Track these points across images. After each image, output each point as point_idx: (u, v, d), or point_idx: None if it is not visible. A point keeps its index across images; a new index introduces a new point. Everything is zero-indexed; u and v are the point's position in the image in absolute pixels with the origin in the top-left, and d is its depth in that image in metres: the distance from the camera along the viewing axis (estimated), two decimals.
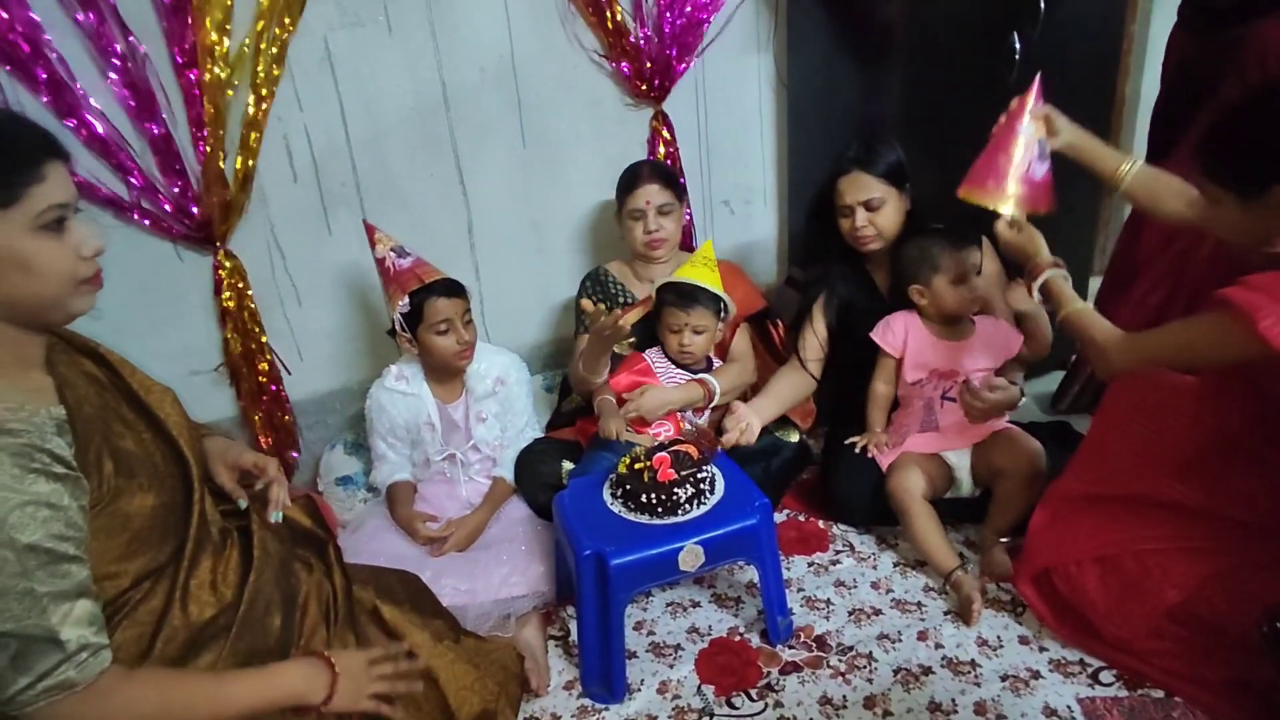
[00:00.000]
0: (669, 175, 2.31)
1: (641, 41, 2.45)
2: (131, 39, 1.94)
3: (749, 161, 2.86)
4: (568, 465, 2.08)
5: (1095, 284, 2.52)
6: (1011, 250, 1.73)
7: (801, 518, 2.20)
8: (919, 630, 1.79)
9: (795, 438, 2.21)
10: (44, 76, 1.88)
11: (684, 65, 2.54)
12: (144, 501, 1.08)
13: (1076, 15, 2.26)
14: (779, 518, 2.18)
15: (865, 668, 1.72)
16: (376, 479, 2.14)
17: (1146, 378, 1.64)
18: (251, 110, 2.10)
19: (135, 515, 1.07)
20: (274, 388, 2.37)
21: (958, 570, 1.85)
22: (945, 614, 1.83)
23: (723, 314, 2.13)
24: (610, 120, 2.59)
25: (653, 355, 2.18)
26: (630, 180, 2.26)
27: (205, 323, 2.29)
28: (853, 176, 2.01)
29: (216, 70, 2.01)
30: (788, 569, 2.00)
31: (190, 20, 1.95)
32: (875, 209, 2.01)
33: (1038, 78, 1.69)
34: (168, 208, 2.10)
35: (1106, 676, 1.63)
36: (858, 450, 2.08)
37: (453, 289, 1.98)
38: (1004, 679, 1.65)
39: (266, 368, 2.34)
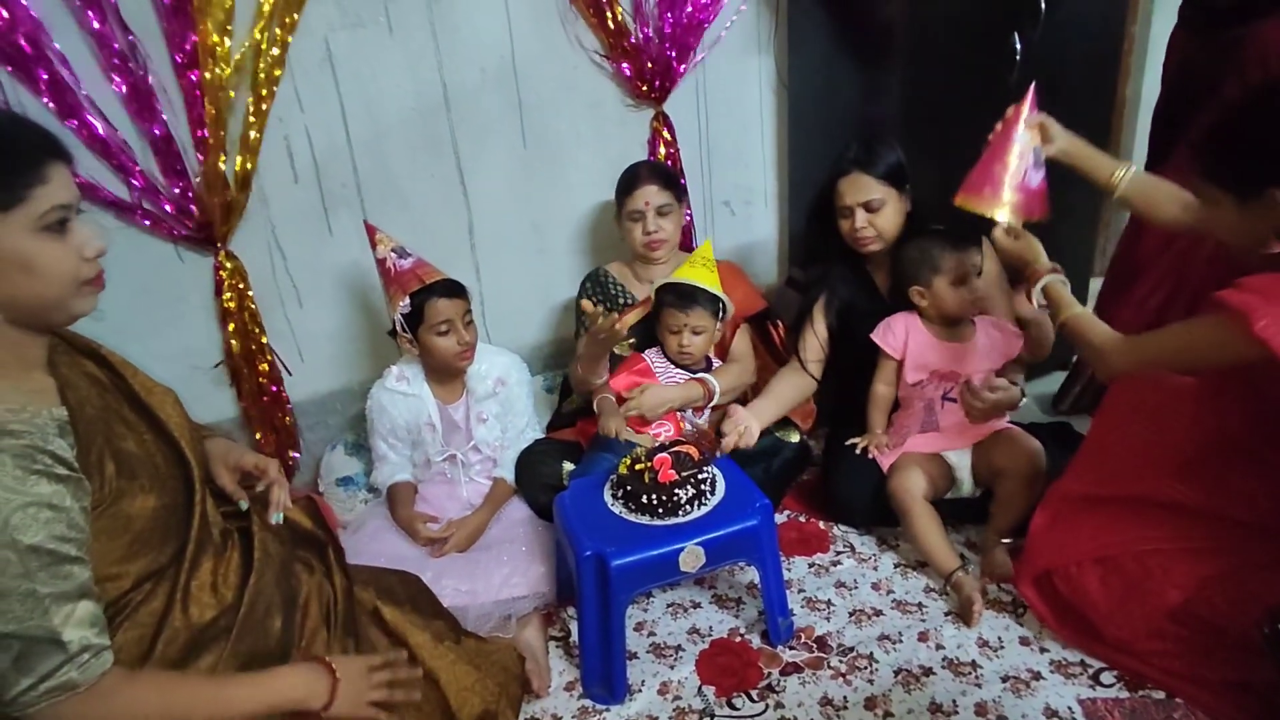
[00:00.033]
0: (668, 176, 2.31)
1: (642, 42, 2.45)
2: (132, 39, 1.94)
3: (749, 162, 2.86)
4: (568, 466, 2.08)
5: (1095, 285, 2.52)
6: (1010, 257, 1.76)
7: (802, 518, 2.20)
8: (920, 631, 1.79)
9: (796, 438, 2.21)
10: (45, 77, 1.88)
11: (684, 66, 2.54)
12: (145, 503, 1.08)
13: (1077, 16, 2.26)
14: (780, 518, 2.19)
15: (866, 669, 1.72)
16: (377, 480, 2.14)
17: (1147, 379, 1.65)
18: (252, 111, 2.10)
19: (137, 517, 1.07)
20: (274, 388, 2.38)
21: (958, 571, 1.85)
22: (946, 615, 1.84)
23: (721, 314, 2.13)
24: (611, 121, 2.59)
25: (652, 356, 2.18)
26: (629, 181, 2.26)
27: (206, 323, 2.29)
28: (852, 178, 2.01)
29: (217, 71, 2.01)
30: (788, 570, 2.00)
31: (191, 21, 1.95)
32: (875, 210, 2.01)
33: (1032, 86, 1.71)
34: (168, 208, 2.10)
35: (1107, 677, 1.63)
36: (858, 451, 2.08)
37: (453, 290, 1.98)
38: (1005, 680, 1.65)
39: (267, 368, 2.34)
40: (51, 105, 1.92)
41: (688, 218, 2.69)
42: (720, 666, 1.75)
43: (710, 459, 1.77)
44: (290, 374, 2.41)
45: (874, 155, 2.00)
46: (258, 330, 2.30)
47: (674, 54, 2.50)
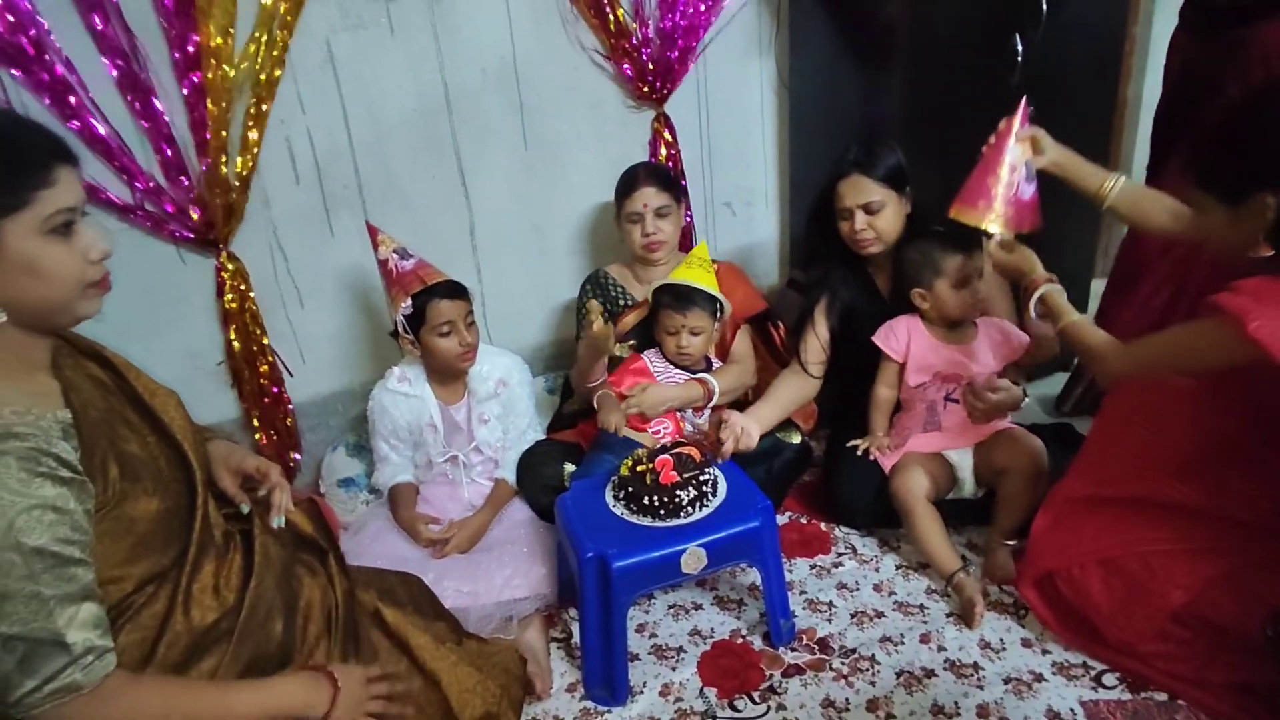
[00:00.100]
0: (666, 177, 2.31)
1: (643, 43, 2.45)
2: (134, 41, 1.94)
3: (750, 163, 2.86)
4: (570, 467, 2.08)
5: (1097, 286, 2.52)
6: (1006, 270, 1.79)
7: (803, 520, 2.20)
8: (921, 633, 1.79)
9: (797, 439, 2.20)
10: (47, 79, 1.88)
11: (685, 67, 2.54)
12: (148, 506, 1.08)
13: (1078, 17, 2.26)
14: (781, 520, 2.18)
15: (868, 670, 1.72)
16: (378, 481, 2.14)
17: (1146, 380, 1.65)
18: (254, 112, 2.10)
19: (139, 519, 1.07)
20: (276, 389, 2.38)
21: (959, 572, 1.85)
22: (948, 616, 1.83)
23: (719, 314, 2.14)
24: (612, 122, 2.59)
25: (651, 356, 2.18)
26: (627, 183, 2.26)
27: (208, 325, 2.29)
28: (852, 180, 2.01)
29: (219, 72, 2.01)
30: (790, 571, 2.00)
31: (193, 22, 1.95)
32: (875, 212, 2.01)
33: (1024, 101, 1.74)
34: (170, 210, 2.10)
35: (1110, 679, 1.63)
36: (859, 453, 2.08)
37: (455, 291, 1.98)
38: (1007, 682, 1.65)
39: (268, 369, 2.34)
40: (54, 107, 1.92)
41: (688, 219, 2.69)
42: (722, 668, 1.75)
43: (712, 461, 1.77)
44: (291, 375, 2.42)
45: (874, 157, 2.00)
46: (259, 331, 2.30)
47: (675, 55, 2.50)
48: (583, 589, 1.65)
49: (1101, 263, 2.85)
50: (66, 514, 0.96)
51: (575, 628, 1.83)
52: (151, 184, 2.06)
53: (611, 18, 2.39)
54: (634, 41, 2.44)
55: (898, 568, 2.00)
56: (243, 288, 2.24)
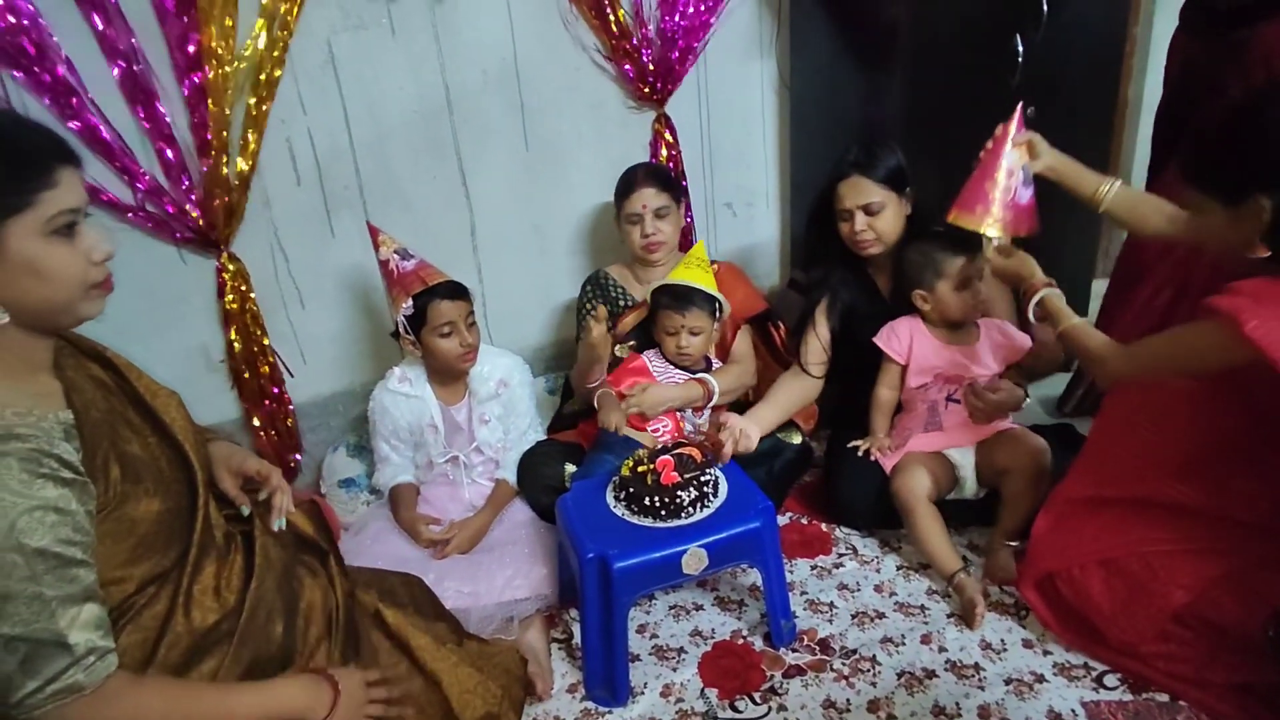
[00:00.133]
0: (665, 178, 2.31)
1: (644, 43, 2.45)
2: (135, 42, 1.94)
3: (751, 164, 2.86)
4: (570, 468, 2.08)
5: (1098, 287, 2.52)
6: (1005, 276, 1.81)
7: (804, 520, 2.20)
8: (922, 634, 1.79)
9: (798, 439, 2.20)
10: (48, 79, 1.88)
11: (686, 67, 2.54)
12: (150, 507, 1.08)
13: (1079, 18, 2.26)
14: (782, 520, 2.18)
15: (869, 671, 1.71)
16: (379, 481, 2.14)
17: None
18: (254, 113, 2.11)
19: (141, 520, 1.07)
20: (276, 390, 2.38)
21: (960, 573, 1.85)
22: (949, 617, 1.83)
23: (718, 314, 2.14)
24: (613, 122, 2.59)
25: (651, 357, 2.18)
26: (626, 184, 2.26)
27: (209, 325, 2.29)
28: (852, 181, 2.01)
29: (220, 73, 2.01)
30: (791, 572, 2.00)
31: (194, 23, 1.95)
32: (874, 213, 2.01)
33: (1019, 106, 1.76)
34: (171, 210, 2.10)
35: (1111, 680, 1.62)
36: (860, 453, 2.08)
37: (456, 291, 1.98)
38: (1008, 683, 1.65)
39: (269, 370, 2.34)
40: (54, 107, 1.92)
41: (689, 220, 2.70)
42: (723, 669, 1.75)
43: (713, 462, 1.77)
44: (292, 376, 2.42)
45: (873, 158, 2.00)
46: (260, 332, 2.30)
47: (676, 55, 2.50)
48: (584, 589, 1.65)
49: (1102, 264, 2.85)
50: (68, 515, 0.96)
51: (576, 628, 1.83)
52: (152, 184, 2.06)
53: (612, 18, 2.39)
54: (635, 42, 2.44)
55: (899, 568, 2.00)
56: (243, 288, 2.24)
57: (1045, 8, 2.18)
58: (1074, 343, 1.63)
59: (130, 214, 2.07)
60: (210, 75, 2.00)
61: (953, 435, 2.01)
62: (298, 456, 2.46)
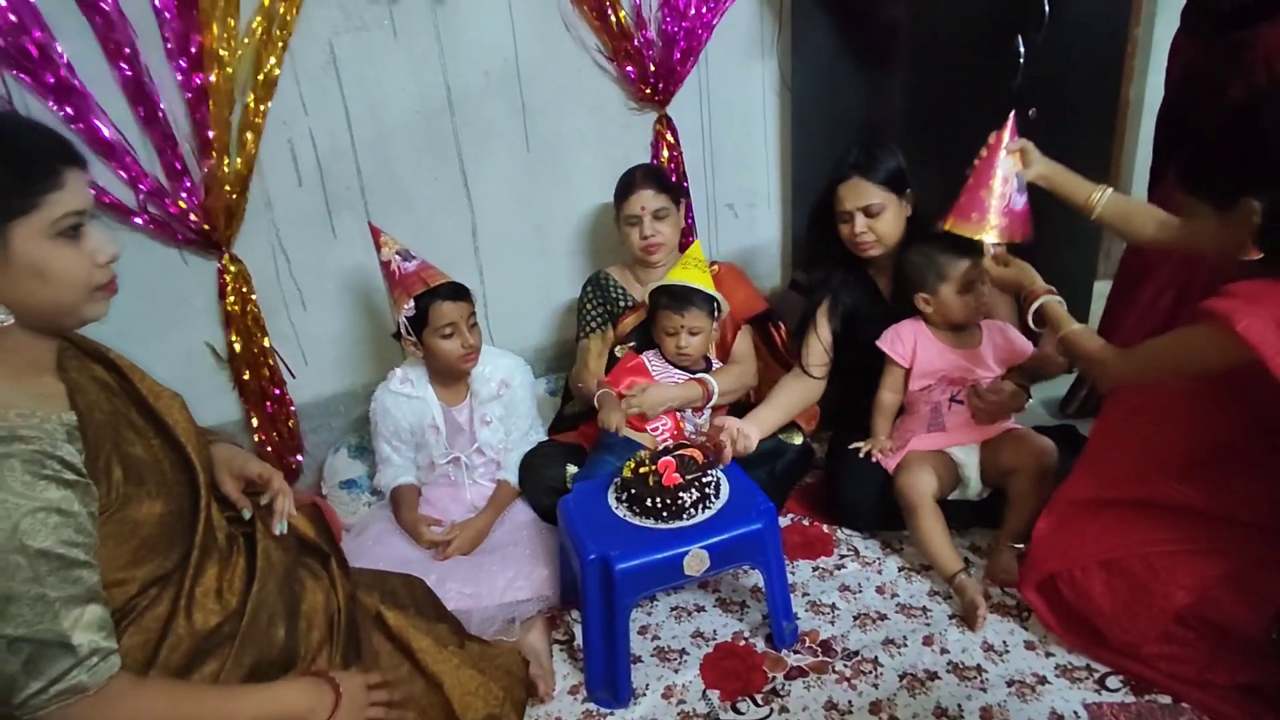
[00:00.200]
0: (664, 180, 2.31)
1: (645, 45, 2.45)
2: (136, 43, 1.94)
3: (753, 165, 2.86)
4: (572, 469, 2.08)
5: (1099, 288, 2.52)
6: (1005, 284, 1.81)
7: (806, 522, 2.20)
8: (924, 635, 1.79)
9: (799, 440, 2.20)
10: (51, 81, 1.88)
11: (687, 68, 2.54)
12: (152, 509, 1.08)
13: (1080, 19, 2.26)
14: (783, 522, 2.18)
15: (871, 673, 1.71)
16: (381, 482, 2.14)
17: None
18: (256, 114, 2.10)
19: (143, 522, 1.07)
20: (278, 391, 2.38)
21: (961, 574, 1.85)
22: (951, 619, 1.83)
23: (716, 313, 2.14)
24: (614, 124, 2.59)
25: (650, 357, 2.18)
26: (625, 186, 2.26)
27: (210, 327, 2.29)
28: (852, 183, 2.01)
29: (221, 74, 2.01)
30: (792, 573, 2.00)
31: (196, 24, 1.95)
32: (875, 215, 2.01)
33: (1012, 114, 1.77)
34: (173, 212, 2.10)
35: (1113, 682, 1.62)
36: (862, 455, 2.08)
37: (458, 292, 1.98)
38: (1010, 684, 1.65)
39: (270, 372, 2.34)
40: (57, 109, 1.92)
41: (690, 221, 2.70)
42: (724, 670, 1.75)
43: (714, 463, 1.77)
44: (294, 377, 2.41)
45: (874, 160, 2.00)
46: (261, 333, 2.30)
47: (677, 56, 2.50)
48: (585, 591, 1.65)
49: (1103, 266, 2.85)
50: (71, 516, 0.96)
51: (578, 630, 1.83)
52: (154, 186, 2.06)
53: (613, 19, 2.40)
54: (636, 43, 2.44)
55: (900, 570, 2.00)
56: (245, 290, 2.24)
57: (1047, 9, 2.18)
58: (1074, 348, 1.64)
59: (133, 215, 2.07)
60: (212, 77, 2.00)
61: (956, 435, 2.01)
62: (299, 458, 2.46)
